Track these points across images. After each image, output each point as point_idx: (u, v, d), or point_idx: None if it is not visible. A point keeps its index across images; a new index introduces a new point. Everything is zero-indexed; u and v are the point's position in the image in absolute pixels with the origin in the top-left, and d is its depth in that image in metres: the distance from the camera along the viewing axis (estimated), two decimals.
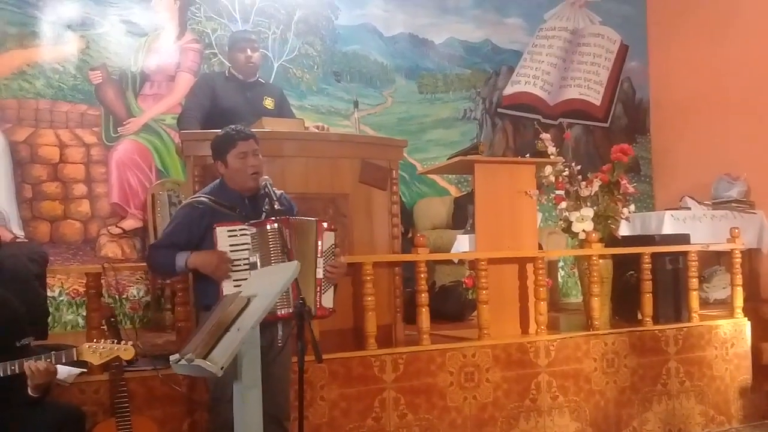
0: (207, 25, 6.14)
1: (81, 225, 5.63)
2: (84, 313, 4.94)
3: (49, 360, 2.86)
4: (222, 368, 1.98)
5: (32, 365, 2.83)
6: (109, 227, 5.70)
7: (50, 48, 5.60)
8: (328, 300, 3.29)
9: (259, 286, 2.28)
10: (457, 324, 5.34)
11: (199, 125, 4.59)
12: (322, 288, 3.26)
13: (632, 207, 5.20)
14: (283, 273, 2.33)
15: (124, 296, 5.60)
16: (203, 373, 2.05)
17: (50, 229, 5.54)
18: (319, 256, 3.26)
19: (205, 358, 1.99)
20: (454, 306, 5.71)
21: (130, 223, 5.75)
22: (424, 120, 6.99)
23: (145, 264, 5.37)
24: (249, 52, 4.83)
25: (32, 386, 2.88)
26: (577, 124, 7.64)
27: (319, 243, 3.28)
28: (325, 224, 3.33)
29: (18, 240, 5.25)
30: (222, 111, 4.67)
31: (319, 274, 3.26)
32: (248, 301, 2.12)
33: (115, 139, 5.79)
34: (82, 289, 5.08)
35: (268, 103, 4.90)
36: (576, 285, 6.57)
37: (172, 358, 2.22)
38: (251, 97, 4.84)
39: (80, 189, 5.65)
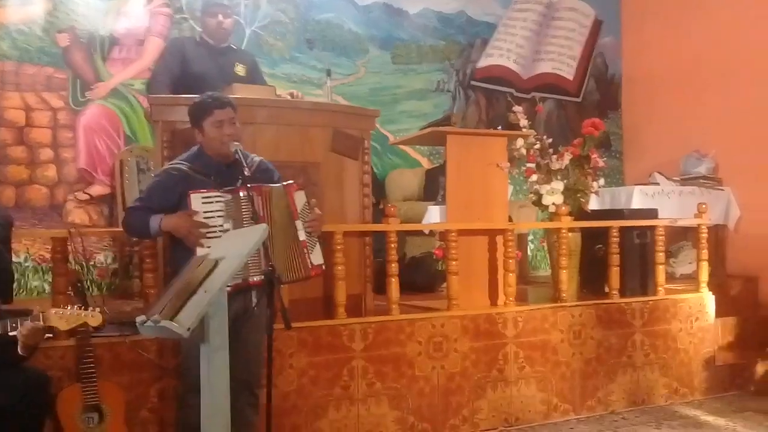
0: None
1: (47, 190, 5.54)
2: (50, 280, 4.90)
3: (37, 322, 2.84)
4: (189, 329, 1.97)
5: (26, 325, 2.83)
6: (76, 193, 5.61)
7: (16, 9, 5.45)
8: (317, 257, 3.35)
9: (227, 249, 2.27)
10: (427, 295, 5.37)
11: (168, 90, 4.54)
12: (309, 248, 3.29)
13: (602, 181, 5.24)
14: (251, 235, 2.31)
15: (92, 263, 5.53)
16: (170, 335, 2.04)
17: (15, 194, 5.43)
18: (296, 219, 3.28)
19: (171, 319, 1.98)
20: (424, 277, 5.74)
21: (97, 190, 5.66)
22: (397, 91, 6.95)
23: (111, 230, 5.42)
24: (221, 17, 4.78)
25: (22, 346, 2.88)
26: (550, 98, 7.64)
27: (294, 206, 3.29)
28: (292, 185, 3.36)
29: None
30: (192, 76, 4.62)
31: (302, 236, 3.30)
32: (216, 263, 2.10)
33: (83, 104, 5.69)
34: (48, 255, 5.02)
35: (240, 69, 4.85)
36: (545, 258, 6.61)
37: (138, 319, 2.20)
38: (222, 63, 4.79)
39: (47, 153, 5.54)
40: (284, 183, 3.37)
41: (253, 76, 4.90)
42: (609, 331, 4.99)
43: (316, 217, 3.37)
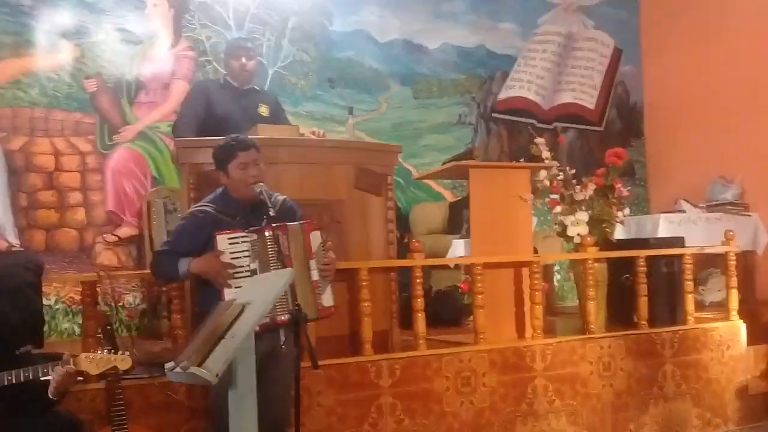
0: (201, 33, 6.15)
1: (77, 233, 5.63)
2: (80, 322, 4.96)
3: (67, 367, 2.87)
4: (217, 376, 1.99)
5: (59, 370, 2.86)
6: (104, 235, 5.70)
7: (45, 56, 5.60)
8: (328, 299, 3.34)
9: (254, 294, 2.29)
10: (453, 329, 5.34)
11: (194, 133, 4.59)
12: (320, 289, 3.30)
13: (627, 210, 5.22)
14: (278, 280, 2.34)
15: (121, 304, 5.58)
16: (198, 381, 2.06)
17: (46, 238, 5.54)
18: (310, 258, 3.30)
19: (200, 365, 2.00)
20: (450, 310, 5.71)
21: (125, 231, 5.75)
22: (419, 125, 7.00)
23: (140, 272, 5.48)
24: (244, 59, 4.84)
25: (54, 390, 2.91)
26: (572, 128, 7.65)
27: (308, 245, 3.32)
28: (309, 224, 3.37)
29: (13, 249, 5.25)
30: (217, 118, 4.68)
31: (314, 276, 3.30)
32: (243, 308, 2.13)
33: (111, 147, 5.80)
34: (77, 298, 5.09)
35: (263, 110, 4.91)
36: (573, 289, 6.57)
37: (167, 365, 2.23)
38: (246, 104, 4.85)
39: (76, 197, 5.65)
40: (301, 222, 3.40)
41: (276, 116, 4.96)
42: (639, 362, 4.93)
43: (330, 261, 3.37)
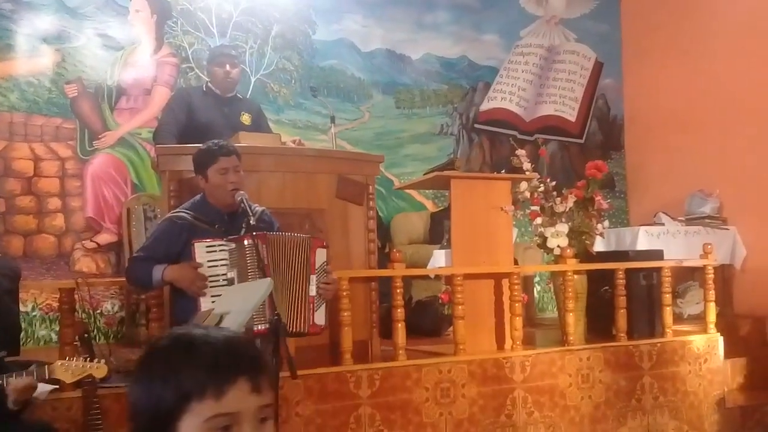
0: (184, 39, 6.12)
1: (55, 239, 5.58)
2: (57, 329, 4.91)
3: (31, 377, 2.83)
4: None
5: (14, 381, 2.80)
6: (83, 242, 5.64)
7: (25, 61, 5.55)
8: (320, 317, 3.33)
9: (232, 303, 2.28)
10: (433, 339, 5.34)
11: (175, 140, 4.59)
12: (315, 305, 3.29)
13: (606, 223, 5.25)
14: (257, 289, 2.33)
15: (98, 311, 5.54)
16: None
17: (24, 244, 5.48)
18: (312, 273, 3.29)
19: None
20: (430, 321, 5.71)
21: (105, 238, 5.70)
22: (401, 135, 7.01)
23: (118, 279, 5.43)
24: (228, 67, 4.84)
25: (13, 400, 2.86)
26: (553, 140, 7.70)
27: (313, 260, 3.31)
28: (319, 240, 3.39)
29: None
30: (198, 126, 4.67)
31: (312, 291, 3.30)
32: (221, 318, 2.12)
33: (91, 153, 5.76)
34: (55, 305, 5.03)
35: (245, 118, 4.91)
36: (552, 300, 6.60)
37: None
38: (228, 112, 4.85)
39: (54, 203, 5.59)
40: (310, 236, 3.40)
41: (259, 125, 4.96)
42: (617, 374, 4.95)
43: (331, 282, 3.40)
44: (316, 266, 3.32)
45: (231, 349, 1.21)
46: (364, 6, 6.86)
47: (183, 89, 5.60)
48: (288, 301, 3.22)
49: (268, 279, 2.35)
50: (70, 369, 2.89)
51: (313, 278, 3.30)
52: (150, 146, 5.70)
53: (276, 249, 3.28)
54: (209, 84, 4.93)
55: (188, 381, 1.18)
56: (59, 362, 2.91)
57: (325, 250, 3.38)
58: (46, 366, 2.87)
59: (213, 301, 3.12)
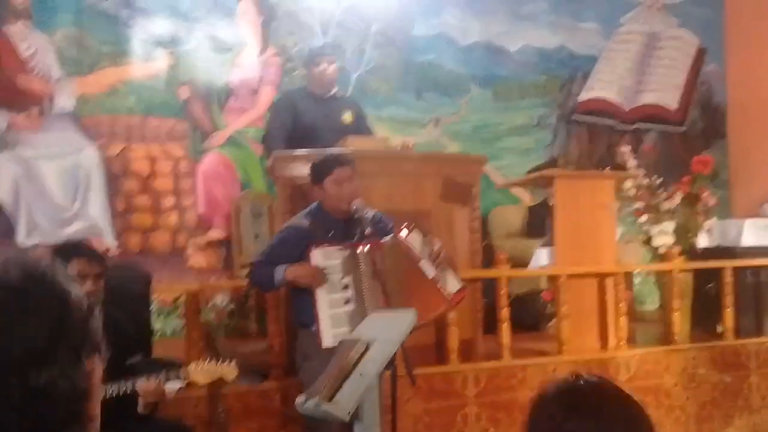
0: (288, 39, 6.28)
1: (170, 236, 5.85)
2: (171, 322, 5.22)
3: (159, 380, 3.03)
4: (349, 413, 2.12)
5: (144, 386, 2.98)
6: (195, 238, 5.90)
7: (141, 65, 5.82)
8: (453, 284, 3.38)
9: (376, 331, 2.38)
10: (532, 334, 5.38)
11: (284, 144, 4.72)
12: (440, 281, 3.34)
13: (713, 220, 5.17)
14: (402, 320, 2.44)
15: (209, 305, 5.78)
16: (329, 417, 2.20)
17: (141, 240, 5.77)
18: (419, 260, 3.34)
19: (329, 400, 2.14)
20: (529, 315, 5.74)
21: (215, 234, 5.94)
22: (499, 128, 7.00)
23: (233, 282, 5.63)
24: (325, 65, 4.92)
25: (143, 404, 3.06)
26: (653, 129, 7.55)
27: (410, 250, 3.34)
28: (399, 228, 3.39)
29: (121, 260, 5.44)
30: (304, 128, 4.79)
31: (430, 274, 3.33)
32: (368, 346, 2.24)
33: (201, 153, 6.00)
34: (168, 299, 5.33)
35: (347, 117, 4.97)
36: (651, 292, 6.52)
37: (298, 400, 2.36)
38: (330, 111, 4.93)
39: (169, 201, 5.86)
40: (392, 235, 3.43)
41: (359, 124, 5.02)
42: (724, 373, 4.90)
43: (439, 250, 3.38)
44: (418, 250, 3.35)
45: None
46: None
47: (288, 93, 5.68)
48: (417, 296, 3.26)
49: (412, 311, 2.42)
50: (203, 371, 3.07)
51: (424, 263, 3.33)
52: (256, 144, 5.90)
53: (388, 256, 3.39)
54: (308, 86, 5.04)
55: None
56: (193, 364, 3.09)
57: (414, 232, 3.36)
58: (182, 369, 3.06)
59: (332, 306, 3.29)
